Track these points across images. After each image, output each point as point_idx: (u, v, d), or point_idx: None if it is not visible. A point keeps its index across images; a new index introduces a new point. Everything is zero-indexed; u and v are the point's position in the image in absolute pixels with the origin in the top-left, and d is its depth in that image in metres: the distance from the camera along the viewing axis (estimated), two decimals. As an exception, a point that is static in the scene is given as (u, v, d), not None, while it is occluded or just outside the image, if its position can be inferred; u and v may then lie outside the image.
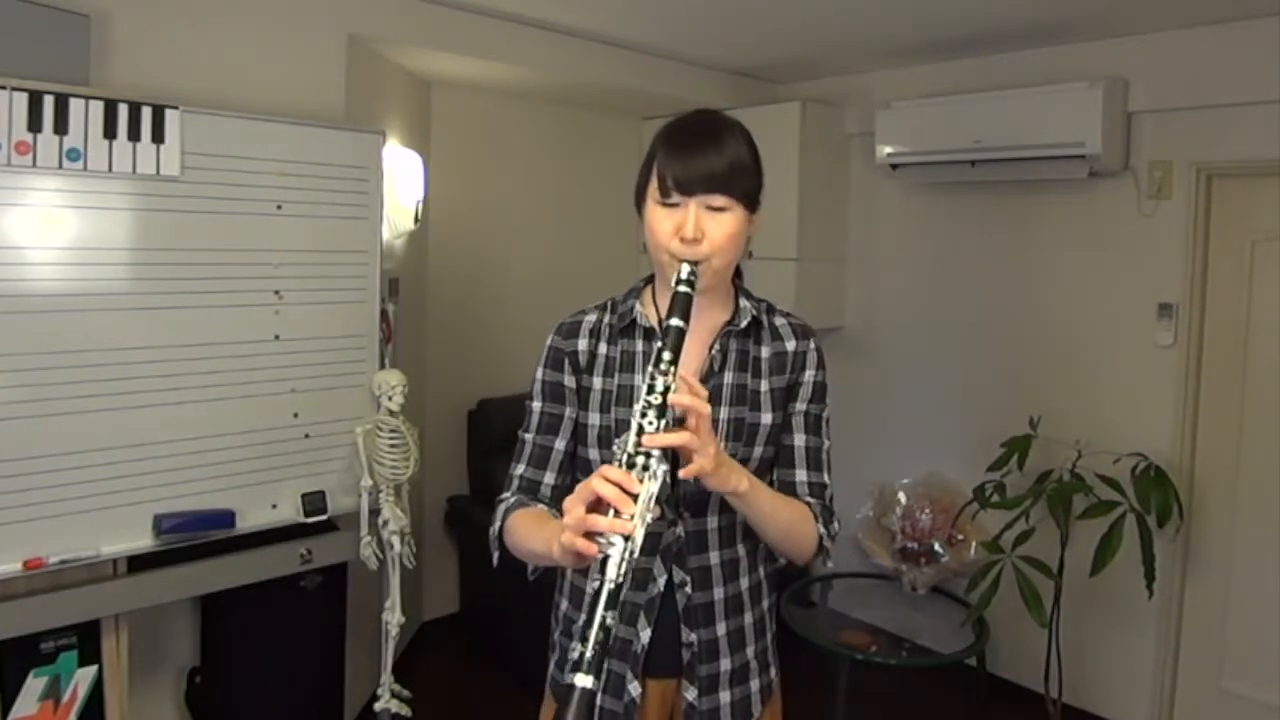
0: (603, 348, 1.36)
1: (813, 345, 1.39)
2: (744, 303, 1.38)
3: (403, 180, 3.00)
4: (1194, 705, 3.05)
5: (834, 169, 3.91)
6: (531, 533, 1.24)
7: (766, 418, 1.34)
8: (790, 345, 1.38)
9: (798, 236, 3.70)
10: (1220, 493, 3.00)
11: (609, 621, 1.00)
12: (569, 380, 1.36)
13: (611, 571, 1.01)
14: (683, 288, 1.19)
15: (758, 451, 1.34)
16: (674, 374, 1.11)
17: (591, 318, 1.39)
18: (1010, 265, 3.45)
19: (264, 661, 2.50)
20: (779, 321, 1.40)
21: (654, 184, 1.25)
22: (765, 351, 1.37)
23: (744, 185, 1.25)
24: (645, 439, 1.08)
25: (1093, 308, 3.23)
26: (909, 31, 3.16)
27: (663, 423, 1.09)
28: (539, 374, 1.38)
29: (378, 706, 2.62)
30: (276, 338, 2.38)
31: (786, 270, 3.71)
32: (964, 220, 3.58)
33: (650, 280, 1.41)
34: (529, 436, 1.38)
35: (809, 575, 3.92)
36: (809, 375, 1.38)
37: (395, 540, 2.51)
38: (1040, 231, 3.36)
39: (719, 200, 1.23)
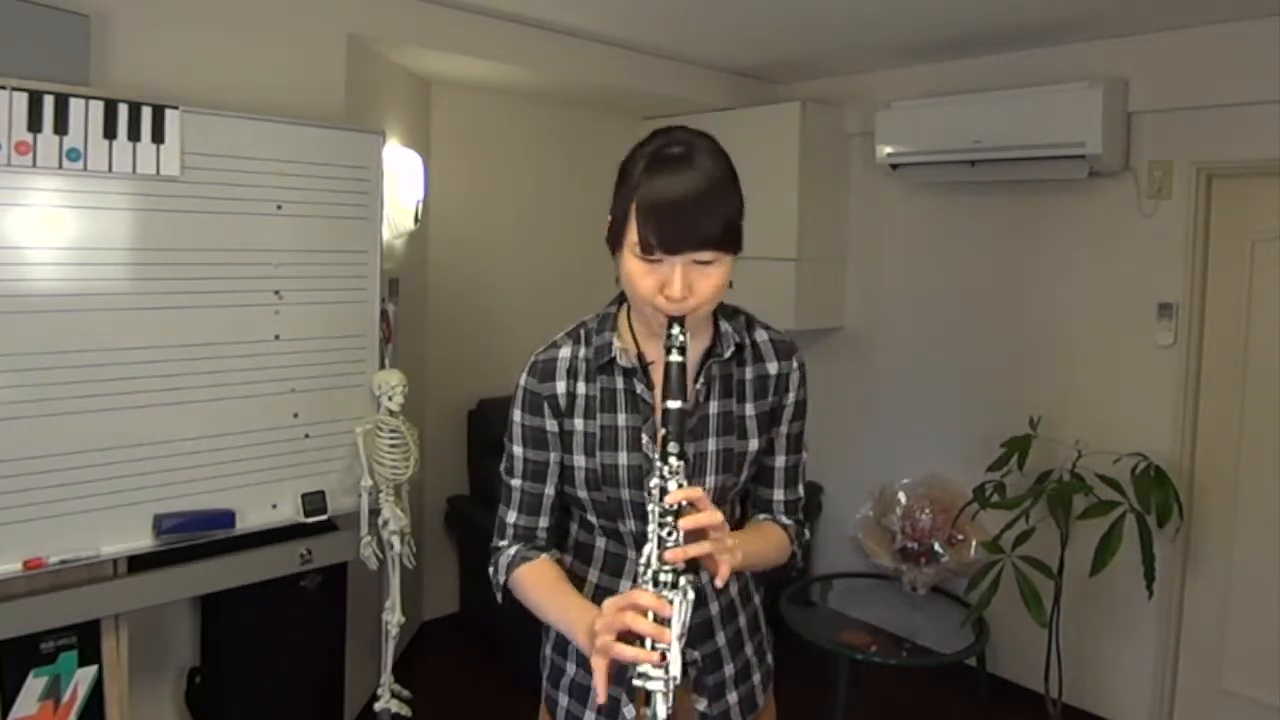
0: (581, 387, 1.29)
1: (795, 364, 1.34)
2: (725, 326, 1.31)
3: (403, 180, 3.00)
4: (1194, 706, 3.05)
5: (834, 169, 3.91)
6: (545, 601, 1.24)
7: (752, 444, 1.31)
8: (773, 368, 1.33)
9: (798, 236, 3.70)
10: (1220, 493, 3.00)
11: None
12: (550, 425, 1.29)
13: (661, 712, 1.01)
14: (675, 356, 1.11)
15: (744, 477, 1.33)
16: (683, 470, 1.09)
17: (565, 353, 1.30)
18: (1010, 265, 3.45)
19: (264, 661, 2.50)
20: (760, 338, 1.34)
21: (632, 236, 1.14)
22: (749, 373, 1.32)
23: (732, 234, 1.15)
24: (669, 554, 1.05)
25: (1093, 308, 3.23)
26: (909, 31, 3.16)
27: (679, 530, 1.07)
28: (517, 417, 1.31)
29: (378, 706, 2.62)
30: (276, 338, 2.38)
31: (786, 270, 3.71)
32: (964, 220, 3.58)
33: (622, 301, 1.33)
34: (516, 483, 1.32)
35: (808, 575, 3.92)
36: (792, 397, 1.34)
37: (395, 540, 2.51)
38: (1040, 231, 3.36)
39: (707, 255, 1.14)
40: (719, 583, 1.09)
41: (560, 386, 1.29)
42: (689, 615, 1.05)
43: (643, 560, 1.08)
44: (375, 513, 2.50)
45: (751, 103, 3.96)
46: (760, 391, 1.32)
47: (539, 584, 1.26)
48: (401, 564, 2.55)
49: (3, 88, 1.92)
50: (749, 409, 1.31)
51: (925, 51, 3.43)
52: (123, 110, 2.08)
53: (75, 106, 2.01)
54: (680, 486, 1.08)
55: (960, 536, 3.32)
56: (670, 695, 1.02)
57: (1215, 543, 3.01)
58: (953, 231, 3.62)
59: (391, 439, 2.48)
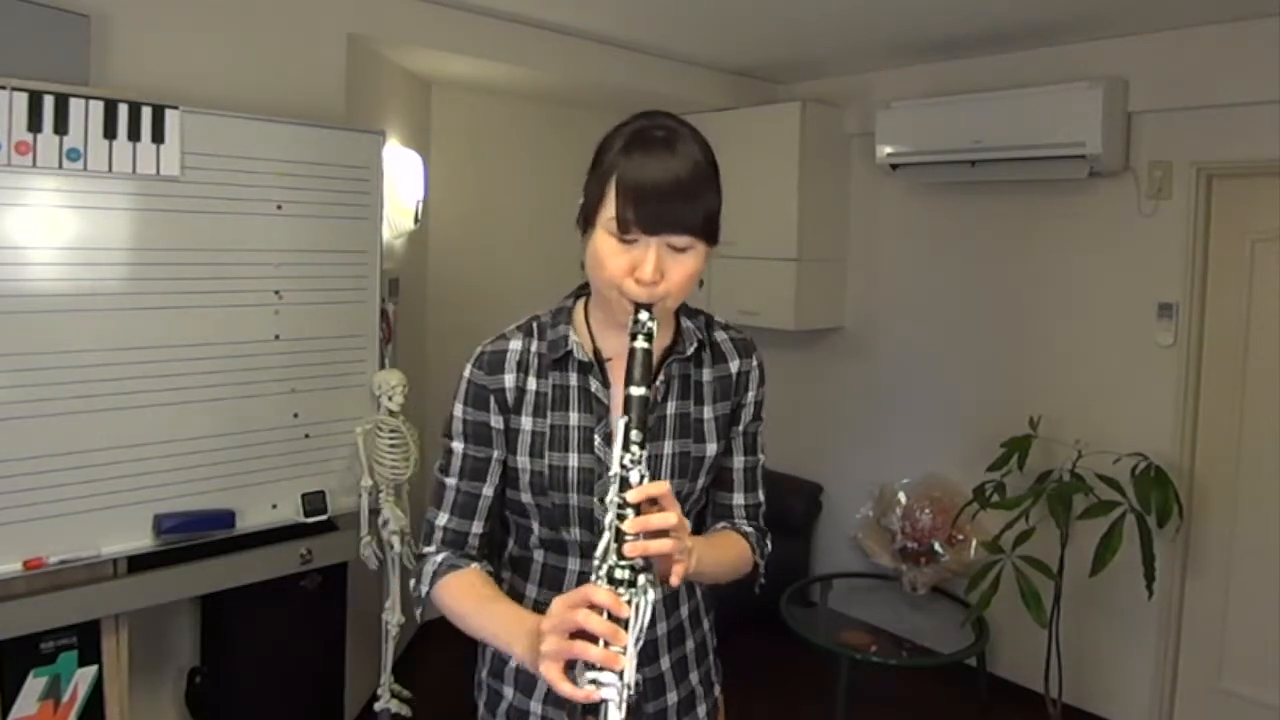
0: (532, 383, 1.21)
1: (755, 362, 1.30)
2: (686, 323, 1.25)
3: (403, 180, 3.00)
4: (1194, 705, 3.05)
5: (834, 169, 3.91)
6: (474, 610, 1.14)
7: (711, 448, 1.25)
8: (734, 366, 1.28)
9: (798, 236, 3.70)
10: (1220, 493, 3.00)
11: None
12: (495, 421, 1.22)
13: (614, 717, 0.93)
14: (641, 342, 1.05)
15: (700, 483, 1.26)
16: (644, 459, 1.01)
17: (516, 345, 1.23)
18: (1010, 265, 3.45)
19: (264, 661, 2.50)
20: (719, 337, 1.29)
21: (608, 212, 1.10)
22: (707, 375, 1.26)
23: (711, 224, 1.12)
24: (628, 549, 0.97)
25: (1093, 308, 3.23)
26: (909, 31, 3.16)
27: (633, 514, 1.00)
28: (458, 411, 1.24)
29: (378, 706, 2.62)
30: (276, 338, 2.38)
31: (786, 270, 3.71)
32: (964, 220, 3.58)
33: (579, 296, 1.28)
34: (451, 481, 1.24)
35: (809, 575, 3.93)
36: (751, 396, 1.29)
37: (395, 540, 2.51)
38: (1040, 231, 3.36)
39: (683, 241, 1.09)
40: (674, 581, 1.03)
41: (509, 380, 1.21)
42: (647, 618, 0.98)
43: (597, 553, 1.00)
44: (375, 513, 2.51)
45: (751, 103, 3.96)
46: (722, 393, 1.27)
47: (467, 593, 1.16)
48: (401, 564, 2.55)
49: (3, 88, 1.92)
50: (707, 411, 1.25)
51: (925, 51, 3.43)
52: (123, 110, 2.08)
53: (75, 106, 2.01)
54: (642, 479, 1.01)
55: (960, 536, 3.33)
56: (623, 706, 0.93)
57: (1215, 543, 3.01)
58: (953, 232, 3.62)
59: (391, 439, 2.48)
